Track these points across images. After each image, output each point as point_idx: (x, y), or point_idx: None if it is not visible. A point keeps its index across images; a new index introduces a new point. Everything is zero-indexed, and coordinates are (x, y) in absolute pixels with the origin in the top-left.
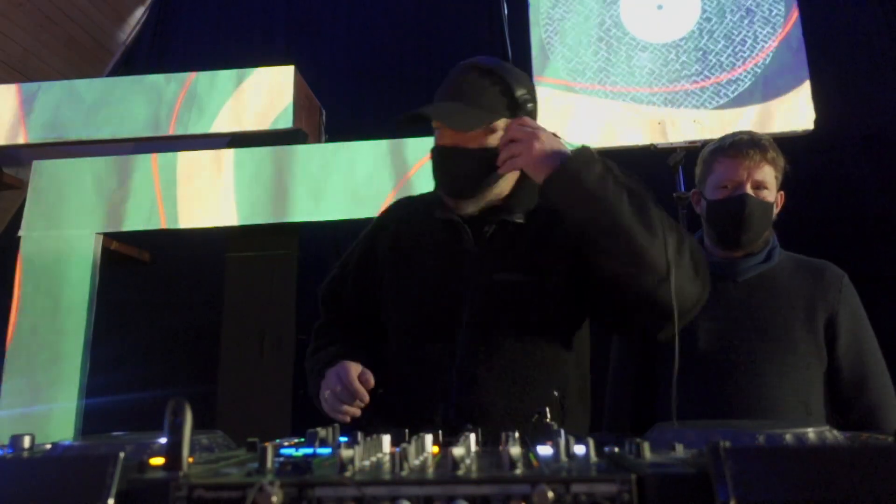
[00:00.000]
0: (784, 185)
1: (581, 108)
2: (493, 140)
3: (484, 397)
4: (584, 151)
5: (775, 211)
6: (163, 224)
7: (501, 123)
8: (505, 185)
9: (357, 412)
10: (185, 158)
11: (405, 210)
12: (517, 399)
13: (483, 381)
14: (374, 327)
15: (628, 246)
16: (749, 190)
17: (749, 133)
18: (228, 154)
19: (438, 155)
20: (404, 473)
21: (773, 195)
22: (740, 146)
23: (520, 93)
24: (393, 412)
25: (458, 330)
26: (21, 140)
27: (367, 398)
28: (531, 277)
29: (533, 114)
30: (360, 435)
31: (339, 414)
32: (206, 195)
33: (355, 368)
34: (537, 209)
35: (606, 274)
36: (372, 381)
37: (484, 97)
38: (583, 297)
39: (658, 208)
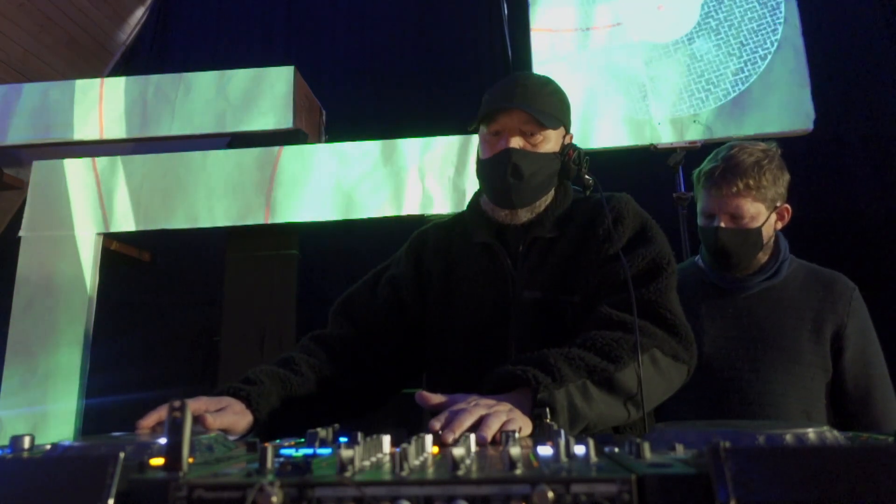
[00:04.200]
0: (788, 197)
1: (582, 108)
2: (552, 146)
3: None
4: (541, 401)
5: (776, 227)
6: (163, 224)
7: (561, 133)
8: (550, 194)
9: (145, 431)
10: (186, 159)
11: (438, 237)
12: None
13: None
14: (379, 347)
15: (616, 420)
16: (723, 222)
17: (728, 158)
18: (229, 154)
19: (506, 157)
20: (404, 473)
21: (758, 220)
22: (715, 177)
23: (568, 102)
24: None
25: (510, 342)
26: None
27: (149, 422)
28: (556, 294)
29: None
30: (360, 435)
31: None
32: (207, 195)
33: (211, 403)
34: (569, 219)
35: None
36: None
37: (549, 103)
38: None
39: (618, 363)
